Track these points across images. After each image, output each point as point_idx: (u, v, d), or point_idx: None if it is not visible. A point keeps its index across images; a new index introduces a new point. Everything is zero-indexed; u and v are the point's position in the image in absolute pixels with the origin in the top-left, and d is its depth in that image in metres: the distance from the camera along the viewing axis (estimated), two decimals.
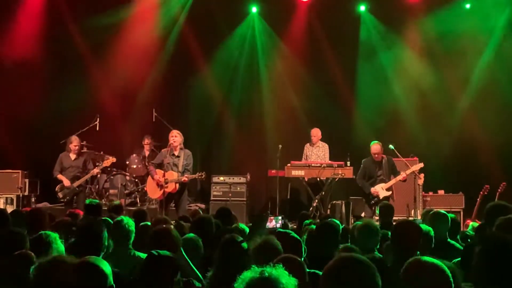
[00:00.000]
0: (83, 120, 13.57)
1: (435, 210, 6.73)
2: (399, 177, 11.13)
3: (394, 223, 5.44)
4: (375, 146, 11.22)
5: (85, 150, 13.12)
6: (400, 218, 10.55)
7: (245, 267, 2.93)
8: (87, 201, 8.41)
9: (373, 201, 11.13)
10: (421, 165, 11.39)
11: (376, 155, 11.21)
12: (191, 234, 5.57)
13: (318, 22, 14.33)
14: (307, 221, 7.29)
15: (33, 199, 13.34)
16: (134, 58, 14.25)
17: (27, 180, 13.32)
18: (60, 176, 11.82)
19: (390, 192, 11.14)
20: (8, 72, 13.95)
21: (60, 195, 11.85)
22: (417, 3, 14.10)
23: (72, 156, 11.95)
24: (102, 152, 13.38)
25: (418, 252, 4.87)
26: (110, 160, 12.17)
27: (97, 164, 13.36)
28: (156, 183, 11.08)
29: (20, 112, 13.94)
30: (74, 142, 11.99)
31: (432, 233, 5.65)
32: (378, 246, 5.54)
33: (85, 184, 12.28)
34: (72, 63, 14.35)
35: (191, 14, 14.63)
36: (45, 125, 13.84)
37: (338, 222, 6.06)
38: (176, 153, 11.14)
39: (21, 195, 12.97)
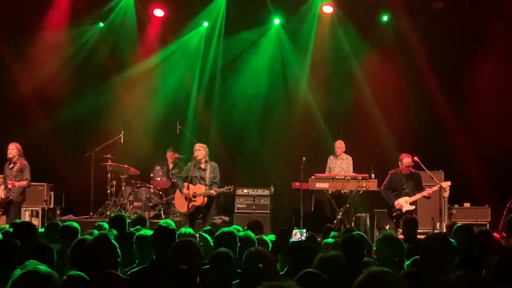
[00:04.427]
0: (108, 133, 13.70)
1: (460, 223, 6.66)
2: (424, 193, 10.98)
3: (424, 236, 5.37)
4: (407, 159, 11.03)
5: (109, 163, 13.24)
6: (424, 231, 10.51)
7: (270, 279, 2.92)
8: (112, 214, 8.44)
9: (395, 214, 11.05)
10: (449, 183, 11.26)
11: (408, 168, 11.06)
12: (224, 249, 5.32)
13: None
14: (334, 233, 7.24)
15: (58, 212, 13.40)
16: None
17: (52, 193, 13.41)
18: None
19: (414, 207, 10.99)
20: None
21: None
22: None
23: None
24: (126, 165, 13.46)
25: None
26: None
27: (121, 176, 13.47)
28: (184, 197, 11.09)
29: (46, 124, 14.11)
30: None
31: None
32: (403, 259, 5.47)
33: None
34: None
35: None
36: (71, 138, 13.97)
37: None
38: (202, 166, 11.12)
39: (46, 208, 13.03)
